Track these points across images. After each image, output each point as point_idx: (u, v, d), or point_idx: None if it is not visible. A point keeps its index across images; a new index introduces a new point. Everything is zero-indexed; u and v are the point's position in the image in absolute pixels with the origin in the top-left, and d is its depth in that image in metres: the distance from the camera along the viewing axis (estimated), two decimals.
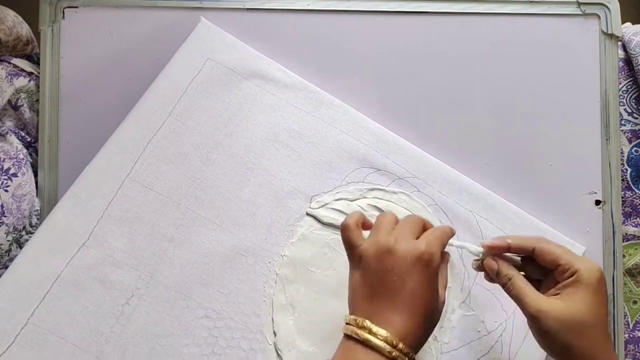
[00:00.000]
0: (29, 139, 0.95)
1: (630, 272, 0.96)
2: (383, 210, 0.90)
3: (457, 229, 0.89)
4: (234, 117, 0.91)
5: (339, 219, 0.89)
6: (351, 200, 0.90)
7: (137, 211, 0.87)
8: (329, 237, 0.89)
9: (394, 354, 0.67)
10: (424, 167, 0.92)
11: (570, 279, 0.73)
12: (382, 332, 0.68)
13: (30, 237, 0.89)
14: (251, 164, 0.90)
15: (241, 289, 0.86)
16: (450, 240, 0.78)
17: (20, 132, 0.94)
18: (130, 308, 0.84)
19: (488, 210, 0.92)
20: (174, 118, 0.90)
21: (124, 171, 0.88)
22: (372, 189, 0.91)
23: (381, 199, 0.91)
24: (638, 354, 0.94)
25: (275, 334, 0.85)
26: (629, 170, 0.96)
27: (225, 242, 0.88)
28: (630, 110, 0.97)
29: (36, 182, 0.93)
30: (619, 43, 0.98)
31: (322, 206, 0.90)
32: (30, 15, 1.01)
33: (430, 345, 0.86)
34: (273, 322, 0.86)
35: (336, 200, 0.90)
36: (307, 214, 0.90)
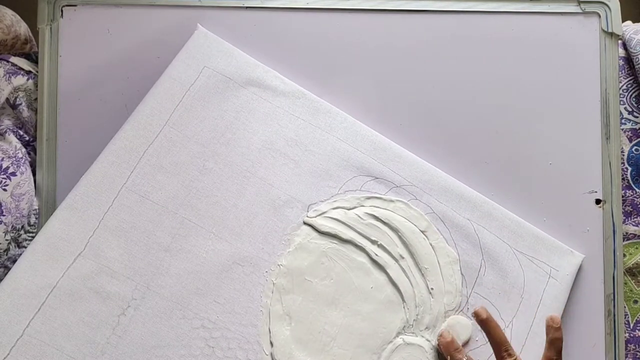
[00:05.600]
0: (27, 138, 0.94)
1: (630, 272, 0.96)
2: (381, 219, 0.90)
3: (455, 237, 0.90)
4: (231, 126, 0.91)
5: (336, 228, 0.89)
6: (348, 209, 0.90)
7: (133, 221, 0.87)
8: (326, 246, 0.88)
9: None
10: (421, 175, 0.92)
11: None
12: None
13: (28, 236, 0.89)
14: (248, 173, 0.90)
15: (238, 299, 0.86)
16: None
17: (19, 130, 0.94)
18: (126, 319, 0.84)
19: (486, 218, 0.92)
20: (171, 127, 0.89)
21: (120, 180, 0.87)
22: (370, 197, 0.91)
23: (378, 207, 0.90)
24: (638, 353, 0.95)
25: (272, 344, 0.85)
26: (629, 169, 0.97)
27: (222, 251, 0.87)
28: (630, 109, 0.97)
29: (34, 181, 0.92)
30: (619, 41, 0.98)
31: (320, 215, 0.89)
32: (29, 14, 1.02)
33: (428, 356, 0.86)
34: (270, 332, 0.85)
35: (333, 208, 0.90)
36: (304, 223, 0.89)
